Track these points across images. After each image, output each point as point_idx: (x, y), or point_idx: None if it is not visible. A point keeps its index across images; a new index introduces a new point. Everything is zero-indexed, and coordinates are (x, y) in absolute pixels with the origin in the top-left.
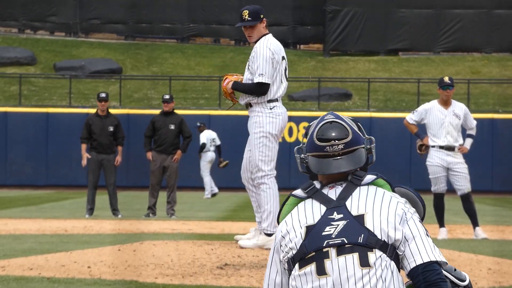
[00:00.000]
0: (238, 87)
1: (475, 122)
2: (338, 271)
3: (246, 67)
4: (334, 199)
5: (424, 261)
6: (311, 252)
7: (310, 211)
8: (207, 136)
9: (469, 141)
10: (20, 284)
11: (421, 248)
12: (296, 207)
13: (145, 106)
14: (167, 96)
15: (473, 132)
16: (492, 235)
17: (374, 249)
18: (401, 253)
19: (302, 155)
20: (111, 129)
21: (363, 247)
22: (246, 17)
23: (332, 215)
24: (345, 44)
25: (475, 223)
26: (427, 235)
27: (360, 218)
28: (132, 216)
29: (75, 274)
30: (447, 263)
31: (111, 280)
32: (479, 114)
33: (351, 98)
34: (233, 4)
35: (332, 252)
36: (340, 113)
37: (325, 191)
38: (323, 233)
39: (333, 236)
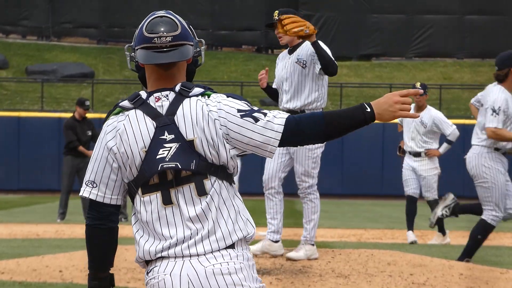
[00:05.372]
0: (319, 47)
1: (452, 128)
2: (184, 200)
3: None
4: (163, 114)
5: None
6: (151, 177)
7: (144, 129)
8: None
9: (444, 146)
10: None
11: (259, 138)
12: (128, 122)
13: None
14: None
15: (451, 138)
16: (464, 241)
17: (208, 175)
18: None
19: (132, 53)
20: (89, 133)
21: (197, 174)
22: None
23: (164, 135)
24: None
25: (441, 230)
26: (254, 116)
27: (191, 143)
28: None
29: (47, 278)
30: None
31: (82, 284)
32: (451, 119)
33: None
34: (205, 8)
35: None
36: None
37: (152, 103)
38: (158, 156)
39: (167, 160)
